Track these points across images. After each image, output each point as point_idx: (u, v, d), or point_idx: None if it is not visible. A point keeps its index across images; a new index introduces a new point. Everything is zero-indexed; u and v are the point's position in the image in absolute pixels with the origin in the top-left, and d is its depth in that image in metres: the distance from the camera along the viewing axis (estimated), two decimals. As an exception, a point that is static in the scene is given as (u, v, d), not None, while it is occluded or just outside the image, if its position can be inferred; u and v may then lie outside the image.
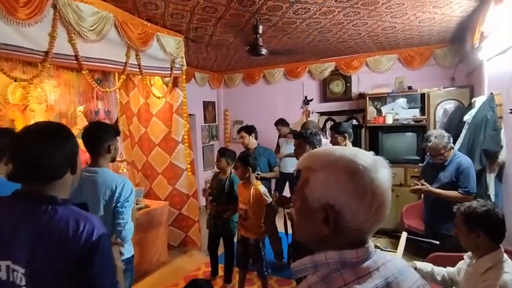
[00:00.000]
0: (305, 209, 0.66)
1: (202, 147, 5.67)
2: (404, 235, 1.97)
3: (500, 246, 1.47)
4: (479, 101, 2.91)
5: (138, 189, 3.44)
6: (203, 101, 5.71)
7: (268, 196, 2.67)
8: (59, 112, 3.32)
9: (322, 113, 5.13)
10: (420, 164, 3.81)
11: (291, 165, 4.05)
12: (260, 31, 3.05)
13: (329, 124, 5.36)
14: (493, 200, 2.57)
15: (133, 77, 3.75)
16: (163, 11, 2.70)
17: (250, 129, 3.58)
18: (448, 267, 1.75)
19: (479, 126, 2.70)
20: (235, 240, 3.00)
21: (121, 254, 1.73)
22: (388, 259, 0.67)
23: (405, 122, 4.03)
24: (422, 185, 2.46)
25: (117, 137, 1.89)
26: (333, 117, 5.13)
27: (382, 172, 0.63)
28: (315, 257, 0.64)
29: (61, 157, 0.96)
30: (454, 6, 2.77)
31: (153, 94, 3.48)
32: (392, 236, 3.21)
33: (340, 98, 4.99)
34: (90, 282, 0.91)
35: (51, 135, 0.96)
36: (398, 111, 4.14)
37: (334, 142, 2.75)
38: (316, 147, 2.36)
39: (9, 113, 2.87)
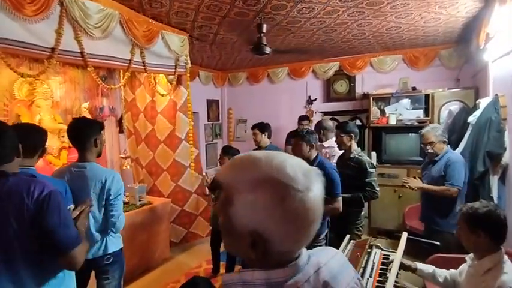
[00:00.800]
0: (230, 229, 0.61)
1: (206, 145, 5.69)
2: (404, 235, 1.97)
3: (501, 247, 1.47)
4: (483, 102, 2.90)
5: (141, 186, 3.47)
6: (207, 99, 5.73)
7: None
8: (64, 108, 3.36)
9: (325, 113, 5.12)
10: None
11: None
12: (264, 30, 3.06)
13: (332, 124, 5.36)
14: (495, 202, 2.56)
15: (139, 74, 3.78)
16: (168, 9, 2.72)
17: (263, 128, 3.55)
18: (451, 269, 1.76)
19: (483, 127, 2.69)
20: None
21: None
22: (322, 264, 0.65)
23: (409, 123, 4.01)
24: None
25: (102, 131, 1.91)
26: (336, 117, 5.12)
27: (315, 189, 0.58)
28: (243, 274, 0.61)
29: (7, 148, 1.17)
30: (460, 6, 2.76)
31: (158, 92, 3.51)
32: (394, 236, 3.21)
33: (343, 98, 4.98)
34: (47, 230, 1.13)
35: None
36: (402, 112, 4.12)
37: (339, 141, 2.76)
38: (313, 146, 2.38)
39: (16, 108, 2.91)
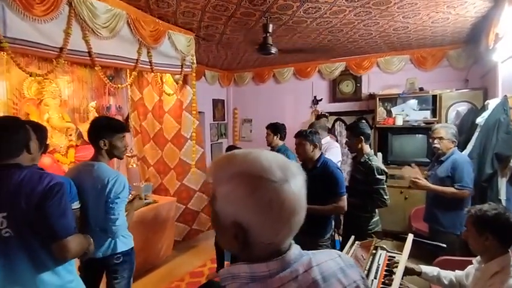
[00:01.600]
0: (218, 223, 0.64)
1: (211, 144, 5.71)
2: (410, 237, 1.95)
3: (509, 250, 1.45)
4: (492, 103, 2.86)
5: (147, 185, 3.49)
6: (213, 99, 5.75)
7: None
8: (72, 107, 3.39)
9: (331, 113, 5.10)
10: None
11: None
12: (270, 30, 3.06)
13: (338, 124, 5.33)
14: (504, 204, 2.52)
15: (146, 74, 3.81)
16: (175, 9, 2.73)
17: (277, 129, 3.44)
18: (456, 271, 1.74)
19: (491, 129, 2.65)
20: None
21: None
22: (315, 264, 0.64)
23: (415, 124, 3.97)
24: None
25: (116, 133, 1.86)
26: (342, 117, 5.10)
27: (293, 181, 0.60)
28: (231, 268, 0.63)
29: (11, 142, 1.30)
30: (469, 6, 2.72)
31: (164, 91, 3.53)
32: (399, 238, 3.18)
33: (349, 99, 4.95)
34: (45, 215, 1.23)
35: (4, 128, 1.31)
36: (409, 113, 4.08)
37: (349, 145, 2.57)
38: (317, 145, 2.36)
39: (25, 107, 2.95)
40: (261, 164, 0.59)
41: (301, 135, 2.42)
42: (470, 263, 1.66)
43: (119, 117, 4.00)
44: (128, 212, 1.87)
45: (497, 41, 2.69)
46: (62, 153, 3.18)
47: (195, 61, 3.49)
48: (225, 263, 3.30)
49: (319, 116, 4.78)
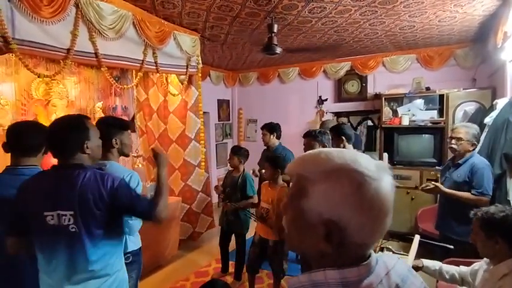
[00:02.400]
0: (301, 223, 0.60)
1: (216, 145, 5.73)
2: (416, 238, 1.93)
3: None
4: (501, 103, 2.81)
5: (152, 185, 3.52)
6: (217, 99, 5.76)
7: None
8: (79, 108, 3.43)
9: (336, 113, 5.07)
10: (437, 167, 3.72)
11: None
12: (275, 30, 3.05)
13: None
14: (513, 205, 2.48)
15: (152, 74, 3.83)
16: (180, 10, 2.75)
17: (271, 129, 3.50)
18: (461, 266, 1.70)
19: (500, 129, 2.61)
20: (247, 237, 3.02)
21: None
22: (390, 267, 0.62)
23: (422, 124, 3.93)
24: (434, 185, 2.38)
25: (125, 131, 1.90)
26: (347, 117, 5.07)
27: (386, 179, 0.57)
28: (313, 275, 0.59)
29: (72, 141, 1.35)
30: (477, 4, 2.69)
31: (169, 92, 3.55)
32: (406, 239, 3.15)
33: (355, 98, 4.93)
34: (130, 207, 1.38)
35: (66, 127, 1.36)
36: (415, 113, 4.04)
37: (336, 146, 2.58)
38: (326, 146, 2.33)
39: (33, 107, 3.00)
40: (359, 161, 0.57)
41: (310, 136, 2.41)
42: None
43: (125, 118, 4.03)
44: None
45: (505, 39, 2.66)
46: (69, 154, 3.22)
47: (200, 61, 3.51)
48: (230, 262, 3.30)
49: (323, 123, 4.60)
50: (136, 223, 1.88)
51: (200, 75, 3.57)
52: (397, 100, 4.26)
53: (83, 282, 1.32)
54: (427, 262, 1.73)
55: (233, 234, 3.17)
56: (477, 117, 3.42)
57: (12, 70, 2.74)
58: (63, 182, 1.31)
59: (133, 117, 4.14)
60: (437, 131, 3.89)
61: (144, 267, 3.16)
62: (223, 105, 5.91)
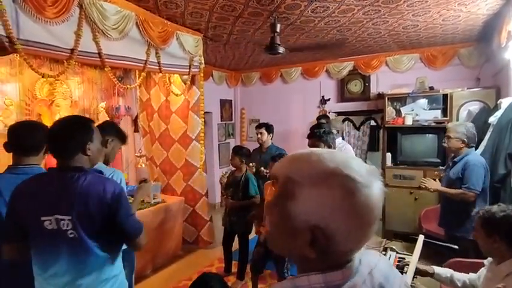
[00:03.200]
0: (286, 226, 0.57)
1: (219, 144, 5.73)
2: (421, 238, 1.92)
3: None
4: (505, 102, 2.79)
5: (155, 184, 3.53)
6: (220, 99, 5.76)
7: None
8: (83, 108, 3.45)
9: (339, 113, 5.06)
10: (441, 167, 3.70)
11: None
12: (278, 29, 3.05)
13: (346, 124, 5.29)
14: (517, 205, 2.46)
15: (154, 74, 3.84)
16: (183, 10, 2.75)
17: (270, 129, 3.66)
18: (470, 274, 1.71)
19: (504, 128, 2.59)
20: (250, 237, 3.01)
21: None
22: (373, 265, 0.61)
23: (426, 124, 3.91)
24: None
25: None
26: (350, 117, 5.06)
27: (376, 186, 0.55)
28: (297, 281, 0.57)
29: (75, 141, 1.31)
30: (481, 3, 2.67)
31: (172, 92, 3.56)
32: (409, 239, 3.14)
33: (358, 98, 4.91)
34: (121, 221, 1.32)
35: (71, 126, 1.34)
36: (419, 112, 4.02)
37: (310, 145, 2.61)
38: (331, 146, 2.32)
39: (37, 107, 3.01)
40: (351, 166, 0.55)
41: (315, 136, 2.38)
42: (482, 265, 1.64)
43: (128, 118, 4.05)
44: (135, 198, 1.91)
45: (509, 38, 2.64)
46: (72, 153, 3.23)
47: (203, 61, 3.51)
48: (233, 262, 3.31)
49: (319, 117, 4.57)
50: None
51: (202, 75, 3.58)
52: (400, 100, 4.24)
53: None
54: (439, 269, 1.73)
55: (236, 235, 3.18)
56: (481, 117, 3.40)
57: (17, 70, 2.76)
58: (62, 186, 1.27)
59: (137, 117, 4.15)
60: (441, 131, 3.84)
61: (147, 267, 3.20)
62: (225, 105, 5.91)
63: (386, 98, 4.21)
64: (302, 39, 3.72)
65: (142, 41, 2.70)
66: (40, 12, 1.89)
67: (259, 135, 3.63)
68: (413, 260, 1.69)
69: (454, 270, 1.77)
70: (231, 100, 6.08)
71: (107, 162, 1.95)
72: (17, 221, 1.30)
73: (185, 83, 3.55)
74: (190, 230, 3.92)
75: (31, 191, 1.29)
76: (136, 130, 4.20)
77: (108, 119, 3.58)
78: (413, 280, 1.59)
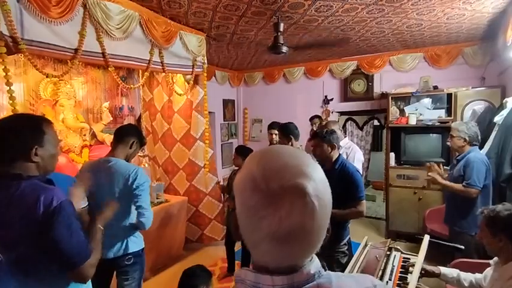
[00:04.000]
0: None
1: (221, 145, 5.73)
2: (426, 238, 1.91)
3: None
4: (510, 101, 2.77)
5: (158, 184, 3.54)
6: (223, 99, 5.76)
7: None
8: (86, 108, 3.46)
9: (342, 113, 5.05)
10: (445, 167, 3.67)
11: None
12: (281, 29, 3.04)
13: (349, 124, 5.27)
14: (523, 206, 2.44)
15: (157, 74, 3.85)
16: (186, 10, 2.75)
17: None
18: (476, 274, 1.70)
19: (510, 128, 2.58)
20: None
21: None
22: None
23: (430, 123, 3.88)
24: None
25: (139, 141, 2.02)
26: (353, 117, 5.04)
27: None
28: (241, 272, 0.61)
29: (13, 144, 1.09)
30: (486, 2, 2.65)
31: (175, 91, 3.56)
32: (413, 239, 3.12)
33: (361, 98, 4.89)
34: (52, 244, 1.04)
35: (11, 126, 1.11)
36: (423, 112, 4.00)
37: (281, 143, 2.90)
38: (334, 146, 2.29)
39: (41, 107, 3.03)
40: None
41: (317, 137, 2.37)
42: (488, 265, 1.62)
43: (131, 118, 4.06)
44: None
45: (516, 37, 2.61)
46: (76, 153, 3.25)
47: (206, 61, 3.51)
48: (236, 262, 3.30)
49: (312, 118, 4.52)
50: (150, 215, 1.88)
51: (206, 75, 3.58)
52: (404, 99, 4.22)
53: None
54: (445, 270, 1.72)
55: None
56: (486, 116, 3.38)
57: (21, 70, 2.77)
58: None
59: (140, 117, 4.16)
60: (445, 130, 3.82)
61: (150, 267, 3.20)
62: (228, 105, 5.91)
63: (389, 98, 4.19)
64: (305, 38, 3.71)
65: (146, 41, 2.71)
66: (44, 12, 1.90)
67: (271, 136, 3.50)
68: (419, 260, 1.68)
69: (459, 270, 1.75)
70: (234, 100, 6.08)
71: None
72: None
73: (188, 83, 3.55)
74: (194, 229, 3.93)
75: None
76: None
77: (111, 118, 3.59)
78: (418, 280, 1.57)
